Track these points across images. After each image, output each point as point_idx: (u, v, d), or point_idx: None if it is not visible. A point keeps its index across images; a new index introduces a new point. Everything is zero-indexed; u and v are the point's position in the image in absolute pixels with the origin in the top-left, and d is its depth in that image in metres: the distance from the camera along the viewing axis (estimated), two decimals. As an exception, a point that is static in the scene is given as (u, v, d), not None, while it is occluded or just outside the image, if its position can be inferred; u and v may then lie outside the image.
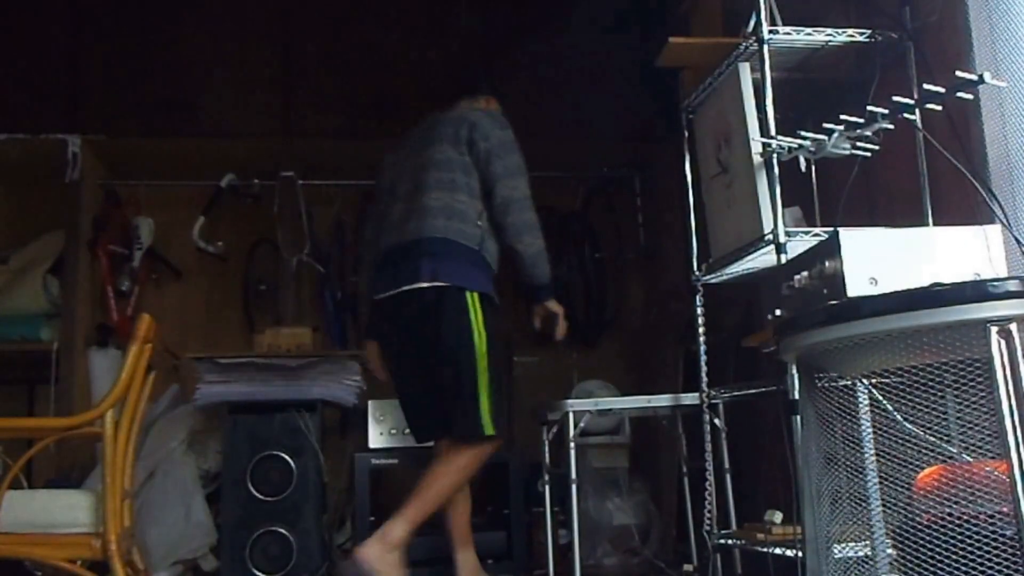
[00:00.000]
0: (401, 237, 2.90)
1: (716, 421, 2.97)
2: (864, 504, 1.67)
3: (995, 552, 1.42)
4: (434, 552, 3.24)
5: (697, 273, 2.93)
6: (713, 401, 2.96)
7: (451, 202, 2.87)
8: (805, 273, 1.90)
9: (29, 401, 4.22)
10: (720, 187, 2.73)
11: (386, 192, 3.07)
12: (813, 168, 2.73)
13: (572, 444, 2.98)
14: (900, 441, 1.59)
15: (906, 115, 2.02)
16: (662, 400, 3.14)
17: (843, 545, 1.71)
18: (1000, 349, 1.44)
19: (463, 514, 3.00)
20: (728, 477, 2.98)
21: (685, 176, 3.02)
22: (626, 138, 4.49)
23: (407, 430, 3.42)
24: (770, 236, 2.36)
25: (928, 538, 1.49)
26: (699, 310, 2.95)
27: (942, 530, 1.48)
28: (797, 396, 2.11)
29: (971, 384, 1.49)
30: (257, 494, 3.39)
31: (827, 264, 1.81)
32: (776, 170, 2.38)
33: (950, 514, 1.50)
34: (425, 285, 2.81)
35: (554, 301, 3.03)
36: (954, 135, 2.14)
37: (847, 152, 2.16)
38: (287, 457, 3.43)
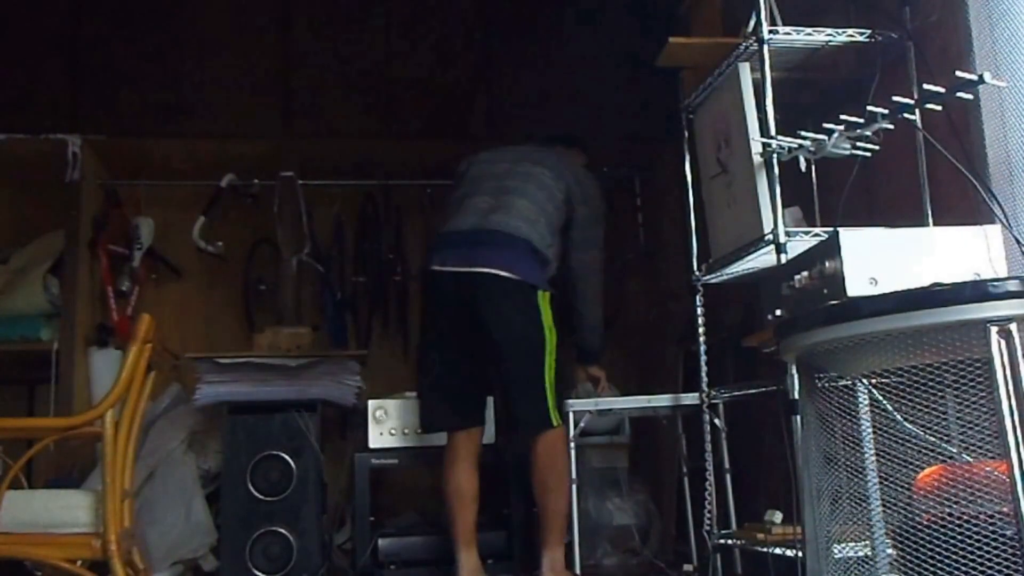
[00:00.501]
0: (484, 223, 2.95)
1: (716, 421, 2.97)
2: (864, 504, 1.67)
3: (995, 552, 1.42)
4: (437, 553, 3.25)
5: (697, 273, 2.93)
6: (713, 401, 2.96)
7: (536, 219, 2.99)
8: (805, 273, 1.90)
9: (29, 401, 4.22)
10: (720, 187, 2.73)
11: (468, 181, 3.12)
12: (813, 168, 2.73)
13: (572, 444, 2.99)
14: (900, 441, 1.59)
15: (906, 115, 2.02)
16: (662, 400, 3.17)
17: (843, 545, 1.71)
18: (1000, 349, 1.44)
19: (473, 513, 2.99)
20: (728, 477, 2.98)
21: (685, 176, 3.02)
22: (626, 138, 4.49)
23: (406, 429, 3.42)
24: (770, 236, 2.36)
25: (928, 538, 1.49)
26: (699, 310, 2.95)
27: (942, 530, 1.48)
28: (797, 396, 2.11)
29: (971, 384, 1.49)
30: (257, 494, 3.39)
31: (827, 264, 1.81)
32: (776, 170, 2.38)
33: (950, 514, 1.50)
34: (503, 273, 2.86)
35: (597, 366, 3.37)
36: (954, 135, 2.14)
37: (847, 152, 2.16)
38: (287, 457, 3.43)
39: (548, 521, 2.94)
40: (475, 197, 3.05)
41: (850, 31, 2.53)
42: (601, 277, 3.21)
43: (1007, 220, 1.93)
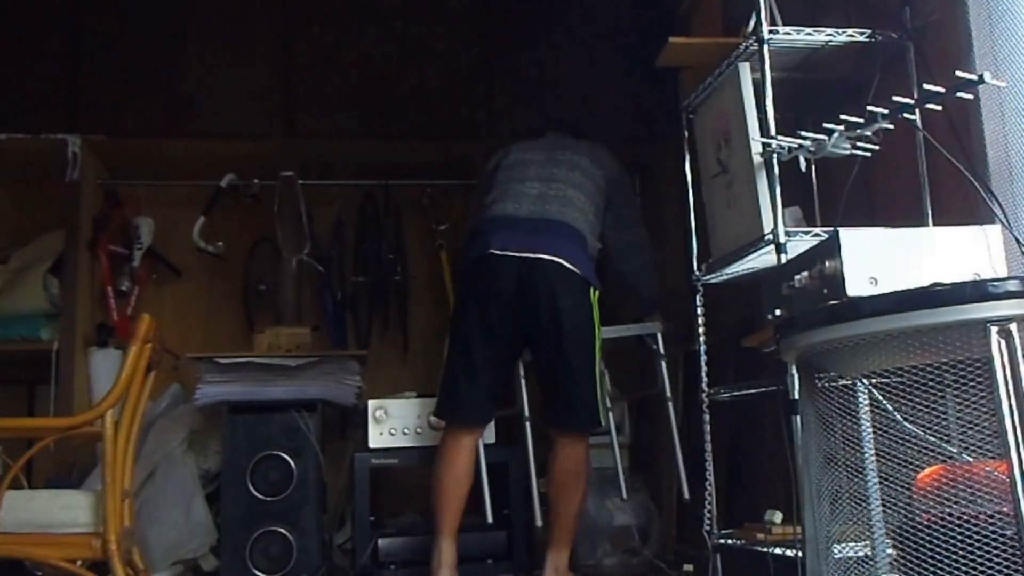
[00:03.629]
0: (542, 212, 2.93)
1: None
2: (864, 504, 1.67)
3: (995, 552, 1.42)
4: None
5: (697, 273, 2.93)
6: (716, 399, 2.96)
7: (587, 212, 3.02)
8: (805, 273, 1.90)
9: (29, 401, 4.22)
10: (720, 187, 2.73)
11: (507, 168, 3.09)
12: (813, 168, 2.73)
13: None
14: (900, 441, 1.59)
15: (906, 115, 2.02)
16: (627, 330, 3.38)
17: (843, 545, 1.71)
18: (1000, 349, 1.44)
19: (463, 507, 2.97)
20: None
21: (685, 176, 3.02)
22: (626, 138, 4.49)
23: (406, 429, 3.41)
24: (770, 236, 2.36)
25: (928, 538, 1.49)
26: (699, 310, 2.95)
27: (942, 530, 1.48)
28: (797, 396, 2.11)
29: (971, 384, 1.49)
30: (257, 494, 3.39)
31: (827, 264, 1.81)
32: (776, 170, 2.38)
33: (950, 514, 1.50)
34: (568, 265, 2.85)
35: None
36: (954, 135, 2.14)
37: (847, 152, 2.15)
38: (287, 457, 3.43)
39: (562, 522, 2.93)
40: (523, 183, 3.02)
41: (850, 31, 2.53)
42: (655, 253, 3.30)
43: (1007, 220, 1.93)
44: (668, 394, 3.38)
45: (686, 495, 3.27)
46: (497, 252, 2.86)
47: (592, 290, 2.93)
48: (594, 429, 2.93)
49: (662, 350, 3.43)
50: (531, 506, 3.29)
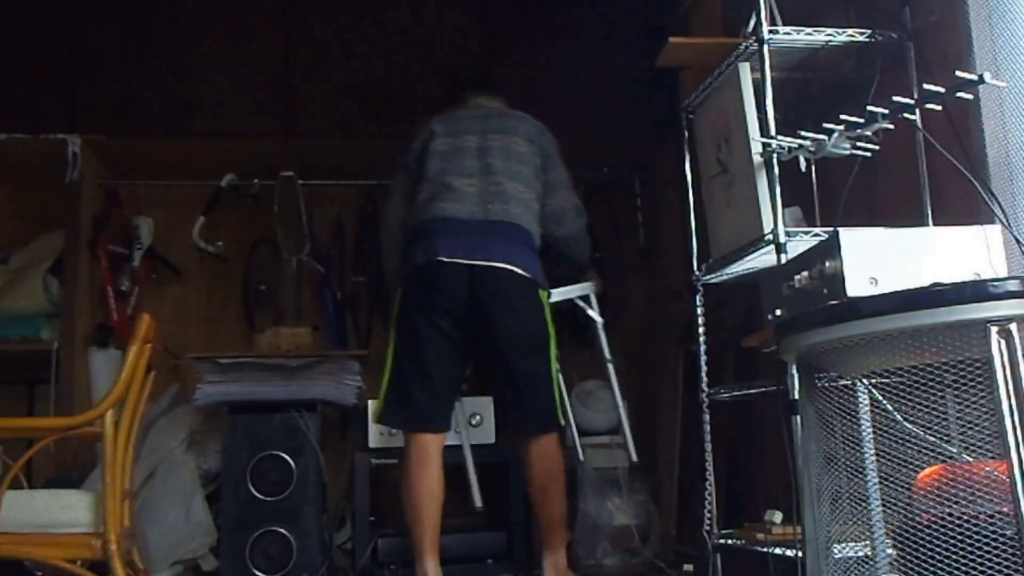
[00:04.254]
0: (483, 214, 2.85)
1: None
2: (864, 504, 1.67)
3: (995, 552, 1.42)
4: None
5: (697, 273, 2.93)
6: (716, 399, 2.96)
7: (531, 199, 2.95)
8: (805, 273, 1.90)
9: (29, 401, 4.22)
10: (720, 187, 2.73)
11: (439, 158, 2.95)
12: (813, 168, 2.73)
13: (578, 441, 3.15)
14: (900, 441, 1.59)
15: (906, 115, 2.02)
16: (563, 293, 3.20)
17: (843, 545, 1.71)
18: (1000, 349, 1.44)
19: (440, 518, 2.82)
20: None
21: (685, 176, 3.02)
22: (626, 138, 4.49)
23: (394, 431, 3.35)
24: (770, 236, 2.36)
25: (928, 538, 1.49)
26: (699, 310, 2.95)
27: (942, 530, 1.48)
28: (797, 396, 2.11)
29: (971, 384, 1.49)
30: (257, 494, 3.39)
31: (827, 264, 1.81)
32: (776, 170, 2.38)
33: (950, 514, 1.50)
34: (517, 270, 2.82)
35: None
36: (954, 135, 2.14)
37: (847, 152, 2.16)
38: (287, 457, 3.43)
39: (551, 524, 2.89)
40: (460, 178, 2.90)
41: (850, 31, 2.53)
42: (586, 218, 3.17)
43: (1007, 220, 1.93)
44: (608, 356, 3.28)
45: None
46: (445, 259, 2.79)
47: (541, 290, 2.90)
48: (553, 430, 2.89)
49: (598, 315, 3.30)
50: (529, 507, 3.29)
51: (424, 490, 2.78)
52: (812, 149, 2.22)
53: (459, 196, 2.87)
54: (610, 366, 3.28)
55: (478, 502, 3.18)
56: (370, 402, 3.56)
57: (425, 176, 2.95)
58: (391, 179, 3.16)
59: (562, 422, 2.92)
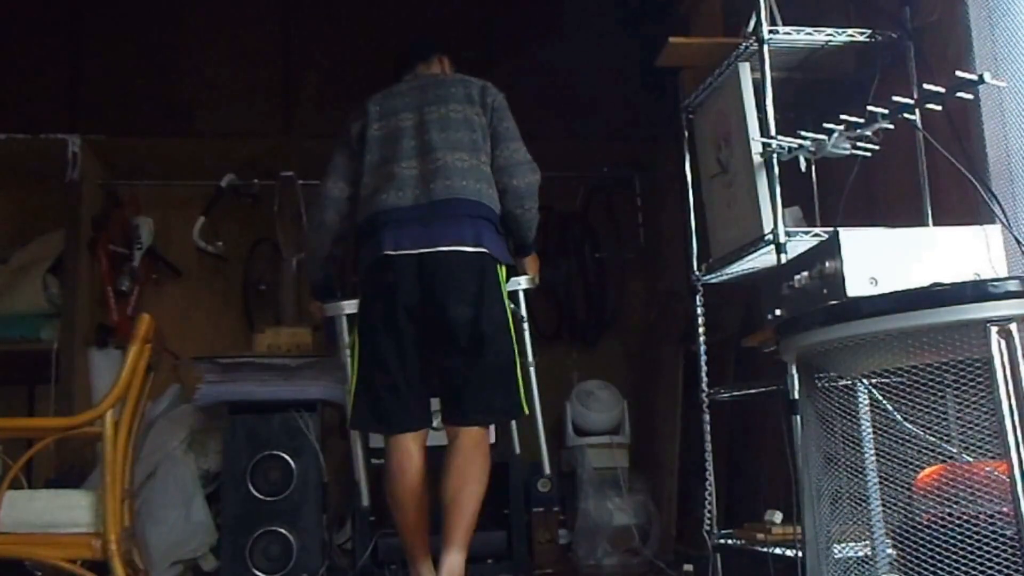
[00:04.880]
0: (426, 196, 2.68)
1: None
2: (864, 504, 1.67)
3: (995, 552, 1.42)
4: (437, 552, 3.23)
5: (697, 273, 2.93)
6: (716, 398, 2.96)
7: (477, 164, 2.75)
8: (805, 273, 1.90)
9: (29, 401, 4.22)
10: (720, 187, 2.73)
11: (376, 144, 2.80)
12: (813, 168, 2.73)
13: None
14: (900, 441, 1.59)
15: (906, 115, 2.02)
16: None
17: (843, 545, 1.71)
18: (1000, 349, 1.44)
19: (428, 517, 2.66)
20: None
21: (685, 176, 3.02)
22: (626, 138, 4.49)
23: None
24: (770, 236, 2.36)
25: (928, 538, 1.49)
26: (699, 310, 2.95)
27: (942, 530, 1.48)
28: (797, 396, 2.11)
29: (971, 384, 1.49)
30: (257, 494, 3.39)
31: (827, 264, 1.81)
32: (776, 170, 2.38)
33: (950, 514, 1.50)
34: (470, 249, 2.63)
35: (532, 256, 3.03)
36: (954, 135, 2.14)
37: (847, 152, 2.16)
38: (287, 457, 3.43)
39: (461, 517, 2.55)
40: (397, 164, 2.73)
41: (850, 31, 2.53)
42: (539, 178, 2.86)
43: (1007, 220, 1.93)
44: (531, 359, 3.06)
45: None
46: (392, 253, 2.64)
47: (499, 266, 2.70)
48: (517, 415, 2.75)
49: (523, 311, 3.01)
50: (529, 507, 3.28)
51: (409, 494, 2.62)
52: (812, 149, 2.22)
53: (400, 183, 2.71)
54: (531, 370, 3.04)
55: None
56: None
57: (366, 167, 2.80)
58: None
59: (526, 410, 2.73)
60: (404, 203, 2.69)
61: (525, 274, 3.03)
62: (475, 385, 2.63)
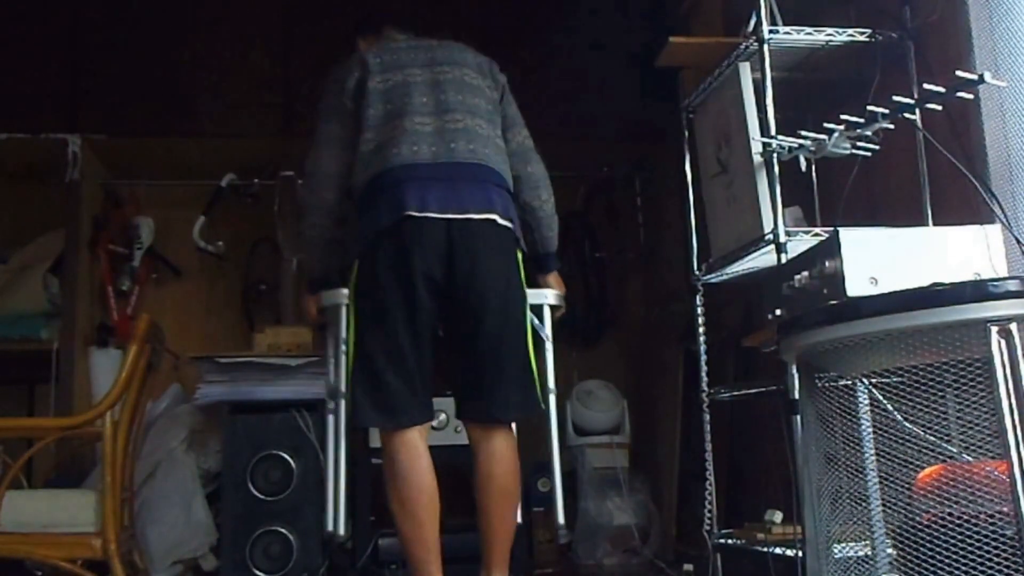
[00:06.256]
0: (447, 154, 2.36)
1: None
2: (864, 504, 1.67)
3: (995, 552, 1.42)
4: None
5: (697, 273, 2.93)
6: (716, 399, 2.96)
7: (495, 136, 2.49)
8: (805, 273, 1.90)
9: (29, 401, 4.22)
10: (720, 187, 2.73)
11: (381, 96, 2.45)
12: (813, 168, 2.73)
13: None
14: (900, 441, 1.59)
15: (906, 115, 2.02)
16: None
17: (843, 545, 1.71)
18: (1000, 349, 1.44)
19: (437, 521, 2.35)
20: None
21: (685, 176, 3.02)
22: (626, 138, 4.49)
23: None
24: (770, 236, 2.37)
25: (928, 538, 1.49)
26: (699, 310, 2.95)
27: (942, 530, 1.48)
28: (797, 396, 2.11)
29: (971, 384, 1.49)
30: (257, 494, 3.39)
31: (827, 264, 1.81)
32: (776, 170, 2.38)
33: (950, 514, 1.50)
34: (501, 222, 2.35)
35: (556, 275, 2.74)
36: (954, 135, 2.14)
37: (847, 152, 2.16)
38: (287, 457, 3.43)
39: (504, 535, 2.36)
40: (409, 118, 2.40)
41: (850, 31, 2.53)
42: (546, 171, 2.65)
43: (1007, 220, 1.93)
44: (551, 386, 2.73)
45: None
46: (415, 215, 2.28)
47: (519, 250, 2.45)
48: (535, 414, 2.49)
49: (549, 332, 2.72)
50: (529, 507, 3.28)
51: (417, 491, 2.29)
52: (812, 149, 2.22)
53: (414, 137, 2.37)
54: (551, 396, 2.72)
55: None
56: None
57: (367, 122, 2.43)
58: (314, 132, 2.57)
59: (543, 405, 2.52)
60: (422, 159, 2.35)
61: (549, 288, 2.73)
62: (501, 377, 2.36)
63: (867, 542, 1.70)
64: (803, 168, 2.36)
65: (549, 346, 2.70)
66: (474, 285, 2.31)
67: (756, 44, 2.45)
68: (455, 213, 2.30)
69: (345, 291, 2.53)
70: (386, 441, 2.34)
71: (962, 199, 2.22)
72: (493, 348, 2.35)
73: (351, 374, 2.38)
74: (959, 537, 1.45)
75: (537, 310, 2.63)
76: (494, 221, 2.34)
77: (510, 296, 2.37)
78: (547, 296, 2.70)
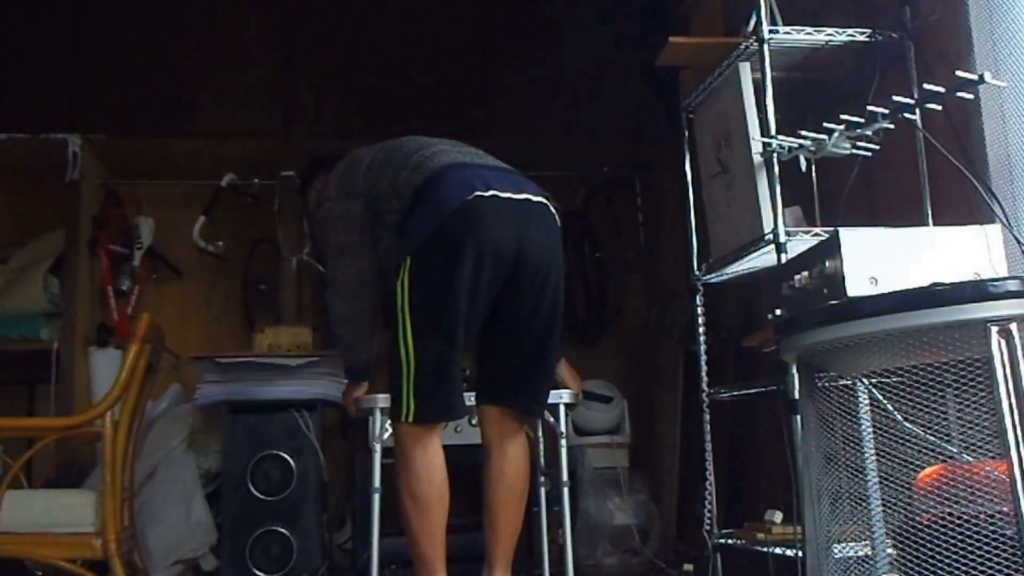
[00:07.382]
0: (484, 158, 2.39)
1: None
2: (864, 504, 1.67)
3: (995, 552, 1.42)
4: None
5: (697, 273, 2.93)
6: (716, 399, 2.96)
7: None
8: (805, 273, 1.90)
9: (29, 401, 4.22)
10: (720, 187, 2.73)
11: (387, 155, 2.43)
12: (813, 168, 2.73)
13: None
14: (900, 441, 1.59)
15: (906, 115, 2.02)
16: None
17: (843, 545, 1.71)
18: (1000, 349, 1.44)
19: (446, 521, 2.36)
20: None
21: (685, 176, 3.02)
22: (626, 138, 4.49)
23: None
24: (770, 236, 2.37)
25: (928, 538, 1.49)
26: (699, 310, 2.95)
27: (942, 530, 1.48)
28: (797, 396, 2.11)
29: (971, 384, 1.49)
30: (257, 494, 3.39)
31: (827, 264, 1.81)
32: (776, 170, 2.38)
33: (950, 514, 1.50)
34: (551, 207, 2.37)
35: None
36: (954, 135, 2.14)
37: (847, 152, 2.16)
38: (287, 457, 3.43)
39: (509, 535, 2.37)
40: (427, 148, 2.38)
41: (850, 31, 2.53)
42: None
43: (1007, 220, 1.93)
44: (565, 478, 2.66)
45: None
46: (483, 194, 2.21)
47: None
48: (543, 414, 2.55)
49: (563, 428, 2.66)
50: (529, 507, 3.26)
51: (434, 486, 2.26)
52: (812, 149, 2.22)
53: (444, 152, 2.35)
54: (565, 490, 2.67)
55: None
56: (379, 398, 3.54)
57: (385, 180, 2.38)
58: (324, 242, 2.53)
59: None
60: (464, 160, 2.33)
61: (565, 387, 2.68)
62: (541, 370, 2.36)
63: (867, 542, 1.70)
64: (803, 168, 2.36)
65: (563, 442, 2.67)
66: (543, 262, 2.28)
67: (756, 44, 2.45)
68: (516, 194, 2.28)
69: (379, 396, 2.59)
70: (410, 437, 2.28)
71: (962, 199, 2.23)
72: (541, 339, 2.32)
73: (413, 370, 2.26)
74: (959, 537, 1.45)
75: (552, 409, 2.63)
76: (547, 206, 2.36)
77: (561, 285, 2.36)
78: (562, 396, 2.68)
